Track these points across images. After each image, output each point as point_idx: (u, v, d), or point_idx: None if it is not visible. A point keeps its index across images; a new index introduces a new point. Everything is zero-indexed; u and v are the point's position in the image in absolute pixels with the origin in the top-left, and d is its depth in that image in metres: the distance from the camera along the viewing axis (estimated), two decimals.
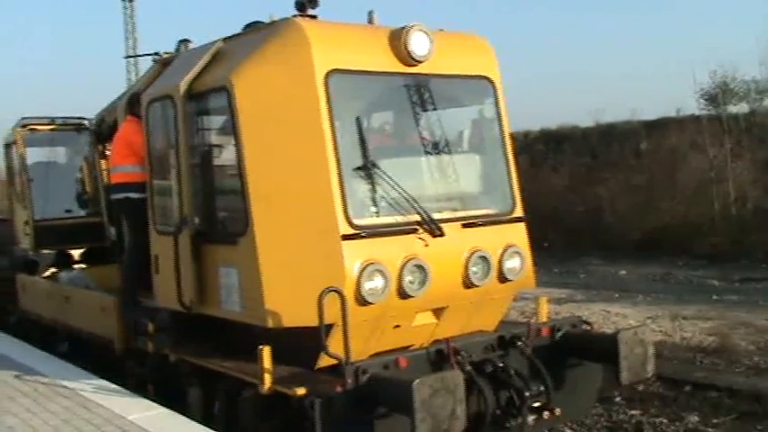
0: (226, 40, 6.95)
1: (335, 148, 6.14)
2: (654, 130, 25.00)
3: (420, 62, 6.64)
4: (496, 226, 6.99)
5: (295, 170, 6.22)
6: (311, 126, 6.15)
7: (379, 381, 5.71)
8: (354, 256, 6.06)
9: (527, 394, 6.29)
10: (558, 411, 6.49)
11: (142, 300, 7.99)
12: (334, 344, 5.84)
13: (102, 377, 8.07)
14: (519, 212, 7.22)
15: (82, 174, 11.47)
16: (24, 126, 11.48)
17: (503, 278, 6.93)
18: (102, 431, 6.34)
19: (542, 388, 6.40)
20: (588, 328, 7.27)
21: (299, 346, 6.22)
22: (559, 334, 6.97)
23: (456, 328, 6.85)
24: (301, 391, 5.81)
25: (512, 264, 6.97)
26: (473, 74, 7.19)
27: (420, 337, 6.74)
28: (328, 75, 6.18)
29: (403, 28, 6.55)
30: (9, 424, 6.63)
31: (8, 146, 11.95)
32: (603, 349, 6.70)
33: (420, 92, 6.80)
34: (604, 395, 9.08)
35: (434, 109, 6.94)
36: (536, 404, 6.39)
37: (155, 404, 7.05)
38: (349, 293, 5.90)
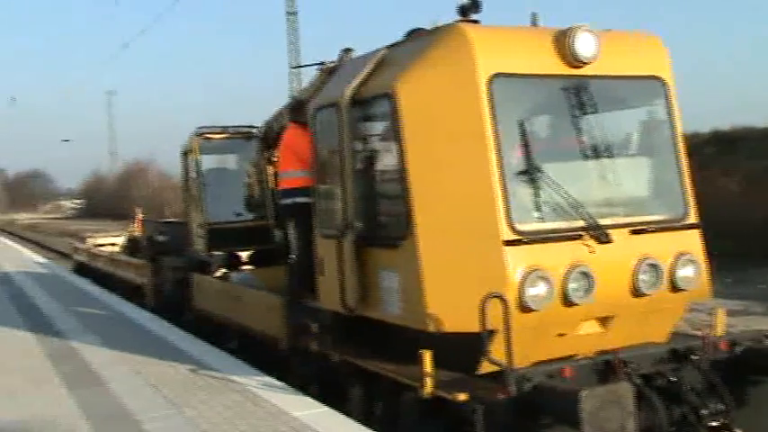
0: (390, 47, 7.06)
1: (498, 153, 6.08)
2: None
3: (586, 63, 6.44)
4: (668, 233, 6.66)
5: (457, 175, 6.21)
6: (474, 130, 6.12)
7: (543, 390, 5.59)
8: (517, 261, 5.97)
9: (704, 412, 5.92)
10: None
11: (307, 301, 8.26)
12: (496, 350, 5.77)
13: (268, 374, 8.42)
14: (693, 218, 6.84)
15: (250, 179, 12.01)
16: (200, 135, 12.21)
17: (675, 287, 6.59)
18: (270, 425, 6.60)
19: (721, 406, 6.00)
20: None
21: (460, 350, 6.20)
22: (740, 348, 6.52)
23: (624, 339, 6.56)
24: (463, 396, 5.79)
25: (685, 272, 6.61)
26: (643, 74, 6.89)
27: (585, 347, 6.52)
28: (492, 79, 6.13)
29: (568, 29, 6.38)
30: (188, 415, 7.07)
31: (185, 153, 12.73)
32: None
33: (586, 94, 6.60)
34: None
35: (601, 111, 6.71)
36: (714, 423, 6.00)
37: (318, 402, 7.26)
38: (511, 299, 5.82)
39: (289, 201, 8.48)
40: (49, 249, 40.40)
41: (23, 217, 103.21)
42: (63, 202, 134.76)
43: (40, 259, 28.20)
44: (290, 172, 8.44)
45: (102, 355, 10.02)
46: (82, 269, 23.25)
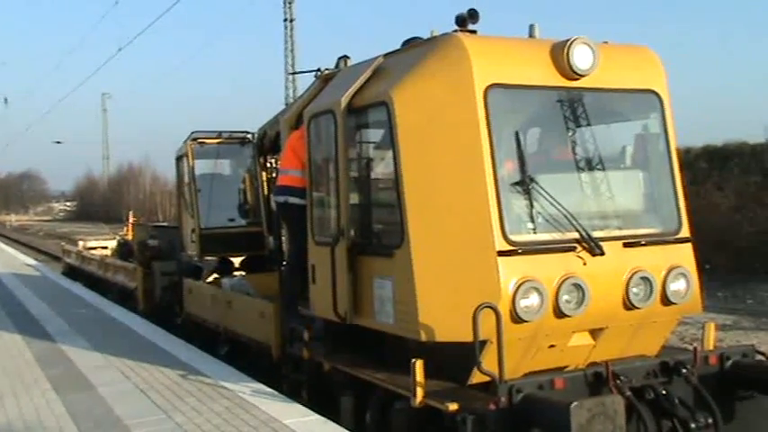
0: (386, 55, 7.08)
1: (493, 164, 6.09)
2: None
3: (583, 76, 6.47)
4: (660, 246, 6.68)
5: (452, 185, 6.21)
6: (469, 141, 6.13)
7: (533, 401, 5.58)
8: (510, 272, 5.97)
9: (693, 426, 5.93)
10: None
11: (299, 308, 8.23)
12: (488, 361, 5.77)
13: (259, 381, 8.40)
14: (685, 232, 6.86)
15: (244, 185, 12.00)
16: (194, 140, 12.19)
17: (666, 301, 6.60)
18: None
19: (710, 420, 6.01)
20: (762, 357, 6.75)
21: (452, 360, 6.20)
22: (729, 363, 6.53)
23: (614, 351, 6.58)
24: (453, 406, 5.78)
25: (677, 286, 6.63)
26: (639, 87, 6.92)
27: (576, 359, 6.53)
28: (488, 89, 6.15)
29: (566, 41, 6.41)
30: (177, 421, 7.04)
31: (179, 158, 12.72)
32: None
33: (582, 106, 6.62)
34: None
35: (596, 124, 6.75)
36: None
37: (309, 410, 7.24)
38: (504, 310, 5.82)
39: (281, 199, 8.43)
40: (39, 251, 40.26)
41: (14, 218, 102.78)
42: (55, 204, 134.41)
43: (30, 261, 28.10)
44: (288, 170, 8.36)
45: (92, 358, 9.97)
46: (72, 272, 23.18)
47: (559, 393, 5.73)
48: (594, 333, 6.51)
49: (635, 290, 6.43)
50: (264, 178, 11.46)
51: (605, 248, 6.30)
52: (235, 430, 6.68)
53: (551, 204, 6.25)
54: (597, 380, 6.02)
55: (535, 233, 6.29)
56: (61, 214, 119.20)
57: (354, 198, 7.10)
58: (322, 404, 7.54)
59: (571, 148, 6.74)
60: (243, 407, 7.39)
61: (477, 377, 6.03)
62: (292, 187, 8.16)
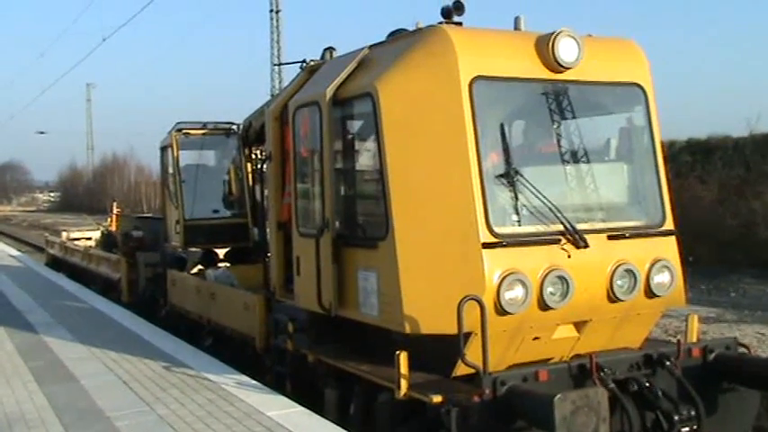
0: (372, 47, 7.04)
1: (478, 155, 6.08)
2: None
3: (567, 68, 6.47)
4: (645, 239, 6.70)
5: (437, 177, 6.20)
6: (454, 133, 6.11)
7: (517, 393, 5.59)
8: (495, 264, 5.97)
9: (676, 418, 5.96)
10: None
11: (283, 299, 8.20)
12: (472, 353, 5.77)
13: (243, 372, 8.36)
14: (669, 225, 6.89)
15: (229, 176, 11.95)
16: (179, 130, 12.12)
17: (650, 293, 6.62)
18: (244, 425, 6.55)
19: (693, 412, 6.04)
20: (744, 350, 6.80)
21: (436, 352, 6.19)
22: (712, 355, 6.57)
23: (598, 344, 6.60)
24: (438, 398, 5.79)
25: (661, 279, 6.66)
26: (623, 80, 6.93)
27: (560, 351, 6.55)
28: (473, 81, 6.13)
29: (551, 34, 6.40)
30: (160, 413, 6.99)
31: (164, 149, 12.64)
32: (763, 374, 6.25)
33: (566, 99, 6.62)
34: (762, 424, 8.44)
35: (580, 116, 6.75)
36: (685, 429, 6.04)
37: (293, 402, 7.22)
38: (488, 302, 5.82)
39: None
40: (22, 242, 39.94)
41: None
42: (38, 195, 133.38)
43: (14, 252, 27.85)
44: None
45: (75, 350, 9.90)
46: (56, 263, 23.01)
47: (543, 385, 5.74)
48: (579, 325, 6.53)
49: (619, 282, 6.45)
50: (249, 169, 11.42)
51: (590, 241, 6.31)
52: (219, 422, 6.65)
53: (536, 197, 6.26)
54: (581, 372, 6.04)
55: (520, 225, 6.29)
56: (45, 205, 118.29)
57: (339, 189, 7.07)
58: (306, 396, 7.52)
59: (556, 140, 6.74)
60: (226, 399, 7.36)
61: (461, 369, 6.04)
62: None
